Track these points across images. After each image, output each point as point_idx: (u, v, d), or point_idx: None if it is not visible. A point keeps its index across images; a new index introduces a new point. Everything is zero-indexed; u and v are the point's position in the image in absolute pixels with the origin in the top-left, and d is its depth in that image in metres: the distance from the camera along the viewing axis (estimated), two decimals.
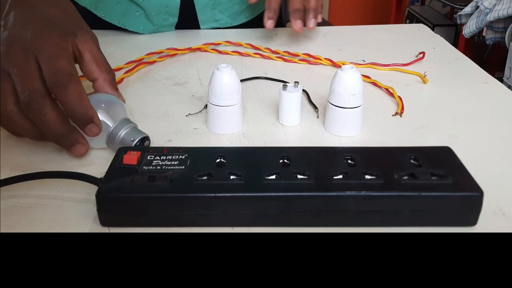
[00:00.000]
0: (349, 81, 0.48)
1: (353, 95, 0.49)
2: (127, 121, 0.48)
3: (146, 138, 0.47)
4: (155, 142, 0.50)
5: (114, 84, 0.51)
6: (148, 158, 0.41)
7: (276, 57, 0.72)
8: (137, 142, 0.46)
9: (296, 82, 0.52)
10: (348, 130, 0.51)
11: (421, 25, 0.87)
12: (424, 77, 0.64)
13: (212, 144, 0.50)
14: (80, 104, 0.43)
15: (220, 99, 0.50)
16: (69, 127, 0.44)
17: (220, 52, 0.74)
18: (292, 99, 0.52)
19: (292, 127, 0.53)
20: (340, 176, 0.38)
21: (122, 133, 0.46)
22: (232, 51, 0.73)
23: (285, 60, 0.71)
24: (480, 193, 0.37)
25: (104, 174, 0.40)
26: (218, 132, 0.52)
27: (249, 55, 0.72)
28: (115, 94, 0.50)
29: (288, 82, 0.54)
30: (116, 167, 0.40)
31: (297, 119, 0.54)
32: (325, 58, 0.70)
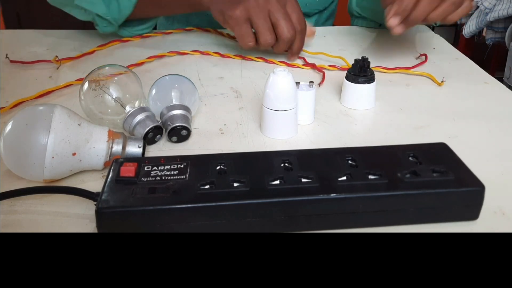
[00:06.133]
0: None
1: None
2: (145, 109, 0.49)
3: (158, 128, 0.49)
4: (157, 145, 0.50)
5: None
6: (146, 169, 0.40)
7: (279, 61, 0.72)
8: (149, 130, 0.48)
9: (311, 82, 0.52)
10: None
11: (421, 25, 0.87)
12: (442, 82, 0.63)
13: (216, 144, 0.50)
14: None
15: (278, 104, 0.49)
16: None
17: (222, 55, 0.74)
18: (306, 98, 0.52)
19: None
20: (344, 178, 0.38)
21: (137, 119, 0.48)
22: (235, 55, 0.73)
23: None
24: (482, 187, 0.38)
25: (100, 189, 0.38)
26: (272, 137, 0.51)
27: (251, 59, 0.72)
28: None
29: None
30: (114, 180, 0.38)
31: (311, 117, 0.54)
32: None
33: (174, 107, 0.50)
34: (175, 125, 0.48)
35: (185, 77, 0.54)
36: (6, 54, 0.69)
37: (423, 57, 0.71)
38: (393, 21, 0.62)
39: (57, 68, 0.67)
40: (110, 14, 0.73)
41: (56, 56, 0.68)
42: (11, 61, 0.68)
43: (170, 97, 0.51)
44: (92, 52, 0.72)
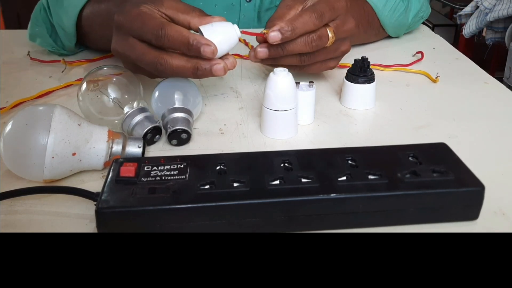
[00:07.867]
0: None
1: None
2: (143, 109, 0.49)
3: (156, 128, 0.49)
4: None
5: (205, 15, 0.53)
6: (146, 169, 0.39)
7: None
8: (148, 130, 0.48)
9: (311, 82, 0.52)
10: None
11: (421, 25, 0.87)
12: (436, 78, 0.64)
13: (216, 144, 0.50)
14: (181, 39, 0.48)
15: (278, 104, 0.49)
16: (193, 61, 0.50)
17: None
18: (306, 98, 0.52)
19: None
20: (344, 178, 0.38)
21: (135, 120, 0.48)
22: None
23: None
24: (482, 187, 0.38)
25: (100, 189, 0.38)
26: (272, 137, 0.51)
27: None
28: (215, 20, 0.52)
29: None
30: (114, 180, 0.38)
31: (311, 117, 0.54)
32: None
33: (176, 110, 0.50)
34: (175, 128, 0.48)
35: (189, 79, 0.54)
36: (28, 51, 0.70)
37: (419, 54, 0.71)
38: (274, 36, 0.51)
39: (62, 71, 0.67)
40: (59, 49, 0.72)
41: (63, 59, 0.68)
42: (32, 59, 0.69)
43: (173, 100, 0.51)
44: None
